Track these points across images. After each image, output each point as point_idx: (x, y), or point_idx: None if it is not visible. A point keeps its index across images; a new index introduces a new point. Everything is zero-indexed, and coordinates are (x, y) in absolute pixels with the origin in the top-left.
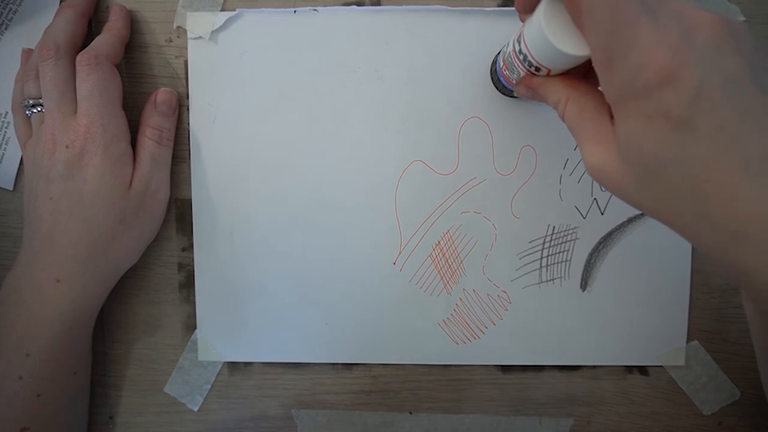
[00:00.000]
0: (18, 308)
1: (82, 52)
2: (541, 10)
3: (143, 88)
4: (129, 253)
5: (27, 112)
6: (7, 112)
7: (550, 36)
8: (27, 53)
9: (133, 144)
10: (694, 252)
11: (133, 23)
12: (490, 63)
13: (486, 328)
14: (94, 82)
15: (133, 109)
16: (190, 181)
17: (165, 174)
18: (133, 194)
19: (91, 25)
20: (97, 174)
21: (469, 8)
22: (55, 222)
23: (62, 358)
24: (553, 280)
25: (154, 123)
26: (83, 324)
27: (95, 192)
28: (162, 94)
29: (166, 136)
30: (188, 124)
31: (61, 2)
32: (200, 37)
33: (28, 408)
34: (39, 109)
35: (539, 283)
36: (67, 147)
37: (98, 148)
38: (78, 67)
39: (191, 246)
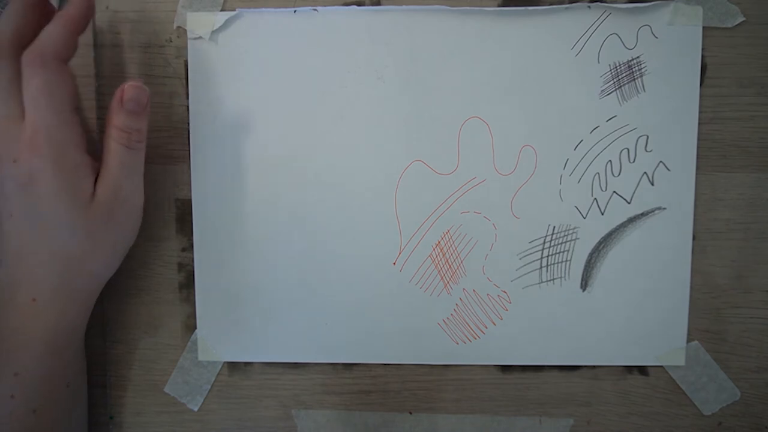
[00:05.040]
0: (1, 328)
1: (27, 50)
2: None
3: None
4: (104, 266)
5: None
6: None
7: None
8: None
9: None
10: (694, 252)
11: (133, 23)
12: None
13: (486, 328)
14: (37, 85)
15: None
16: (190, 181)
17: (136, 180)
18: (97, 205)
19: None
20: (51, 191)
21: (469, 8)
22: (19, 241)
23: (52, 373)
24: (553, 280)
25: (121, 123)
26: (70, 337)
27: (51, 209)
28: (129, 91)
29: (135, 138)
30: (188, 124)
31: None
32: (200, 37)
33: (24, 425)
34: None
35: (539, 283)
36: (14, 161)
37: (47, 162)
38: (23, 68)
39: (191, 246)
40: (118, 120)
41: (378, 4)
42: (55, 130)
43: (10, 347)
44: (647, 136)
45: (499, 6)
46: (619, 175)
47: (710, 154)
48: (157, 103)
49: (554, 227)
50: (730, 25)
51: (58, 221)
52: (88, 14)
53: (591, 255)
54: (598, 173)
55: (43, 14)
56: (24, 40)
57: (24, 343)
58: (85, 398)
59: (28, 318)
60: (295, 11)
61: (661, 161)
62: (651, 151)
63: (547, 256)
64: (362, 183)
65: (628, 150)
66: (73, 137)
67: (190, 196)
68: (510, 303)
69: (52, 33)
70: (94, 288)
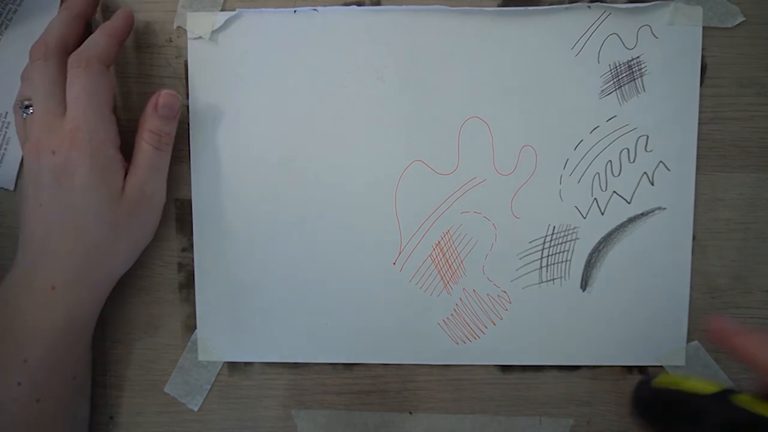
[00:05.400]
0: (14, 315)
1: (74, 53)
2: None
3: (143, 88)
4: (124, 259)
5: (23, 114)
6: (7, 112)
7: None
8: None
9: (130, 146)
10: (694, 252)
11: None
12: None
13: (486, 328)
14: (82, 85)
15: (132, 110)
16: (190, 181)
17: (162, 179)
18: (125, 201)
19: (92, 28)
20: (85, 183)
21: (469, 8)
22: (46, 230)
23: (61, 364)
24: (553, 280)
25: (154, 127)
26: (81, 330)
27: (84, 202)
28: (164, 97)
29: (165, 141)
30: (188, 124)
31: (62, 3)
32: (200, 37)
33: (26, 413)
34: (32, 110)
35: (539, 283)
36: (53, 153)
37: (84, 156)
38: (69, 69)
39: (191, 246)
40: (151, 123)
41: (378, 4)
42: (94, 128)
43: (23, 334)
44: (647, 136)
45: (499, 6)
46: (619, 175)
47: (710, 154)
48: None
49: (554, 227)
50: (730, 25)
51: (89, 212)
52: (128, 26)
53: (591, 255)
54: (598, 173)
55: (85, 27)
56: (68, 46)
57: (37, 331)
58: (89, 394)
59: (45, 305)
60: (295, 11)
61: (661, 161)
62: (651, 151)
63: (547, 256)
64: (362, 183)
65: (628, 150)
66: (109, 135)
67: (190, 196)
68: (510, 303)
69: (97, 40)
70: (110, 282)
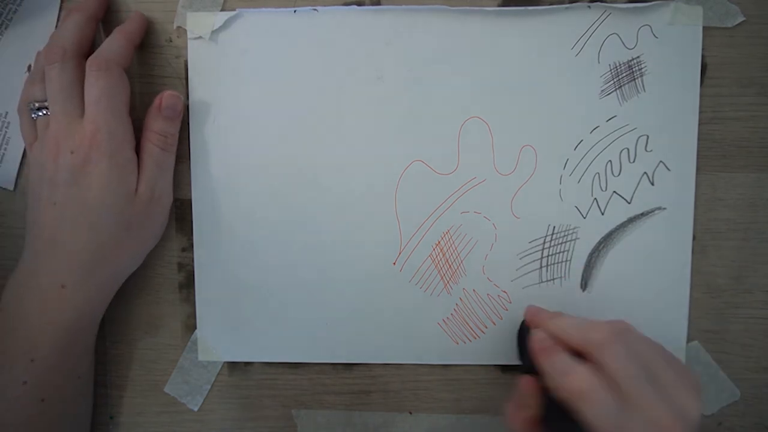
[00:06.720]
0: (21, 314)
1: (93, 56)
2: None
3: (143, 88)
4: (133, 258)
5: (33, 116)
6: (7, 113)
7: None
8: (39, 56)
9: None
10: (694, 252)
11: None
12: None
13: (486, 328)
14: (102, 87)
15: (132, 110)
16: (190, 181)
17: (168, 179)
18: (139, 201)
19: (101, 29)
20: (103, 182)
21: (469, 8)
22: (59, 228)
23: (67, 363)
24: (553, 280)
25: (159, 128)
26: (87, 329)
27: (100, 200)
28: (167, 99)
29: (170, 141)
30: (188, 123)
31: (62, 3)
32: (200, 37)
33: (31, 412)
34: (45, 112)
35: (539, 283)
36: (72, 152)
37: (104, 156)
38: (87, 72)
39: (191, 246)
40: (155, 125)
41: (378, 4)
42: (114, 129)
43: (30, 334)
44: (647, 136)
45: (499, 6)
46: (619, 175)
47: (710, 154)
48: None
49: (554, 227)
50: (730, 25)
51: (104, 212)
52: (143, 29)
53: (591, 255)
54: (598, 173)
55: (97, 28)
56: (83, 48)
57: (45, 330)
58: (91, 395)
59: (54, 304)
60: (295, 11)
61: (661, 161)
62: (651, 151)
63: (547, 256)
64: (362, 183)
65: (628, 150)
66: (126, 137)
67: (190, 196)
68: (510, 303)
69: (114, 43)
70: (118, 281)
